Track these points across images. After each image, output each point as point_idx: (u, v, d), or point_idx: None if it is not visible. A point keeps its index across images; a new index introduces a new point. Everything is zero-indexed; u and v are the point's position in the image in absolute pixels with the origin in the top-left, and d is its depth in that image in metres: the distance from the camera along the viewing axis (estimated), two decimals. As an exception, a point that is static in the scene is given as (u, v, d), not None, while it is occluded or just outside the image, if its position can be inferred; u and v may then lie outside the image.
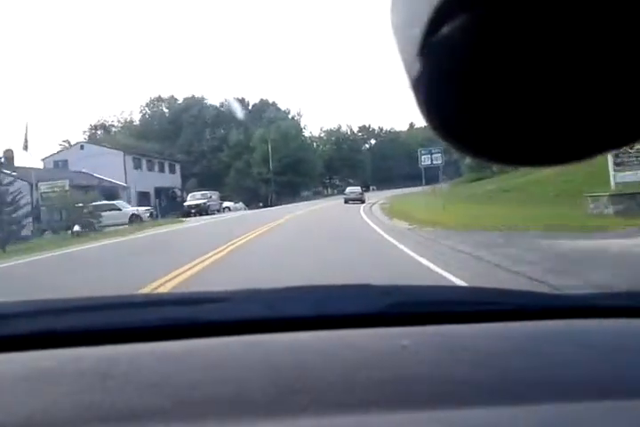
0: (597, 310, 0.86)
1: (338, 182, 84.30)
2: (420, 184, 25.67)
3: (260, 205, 52.35)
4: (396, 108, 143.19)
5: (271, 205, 47.56)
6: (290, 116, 58.02)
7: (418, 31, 0.26)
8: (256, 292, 0.93)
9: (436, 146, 22.02)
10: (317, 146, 79.99)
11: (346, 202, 31.73)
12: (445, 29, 0.25)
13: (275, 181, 52.23)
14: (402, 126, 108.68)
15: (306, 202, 44.95)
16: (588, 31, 0.24)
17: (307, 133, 66.70)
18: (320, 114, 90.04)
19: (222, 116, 58.41)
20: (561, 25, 0.24)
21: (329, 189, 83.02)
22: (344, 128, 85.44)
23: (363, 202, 30.65)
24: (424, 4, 0.25)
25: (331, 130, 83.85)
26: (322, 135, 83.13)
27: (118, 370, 0.66)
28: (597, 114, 0.28)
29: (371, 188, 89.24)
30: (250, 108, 64.75)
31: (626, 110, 0.27)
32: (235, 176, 52.42)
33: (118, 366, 0.67)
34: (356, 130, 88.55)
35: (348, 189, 36.60)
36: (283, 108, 58.15)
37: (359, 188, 37.45)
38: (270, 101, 66.35)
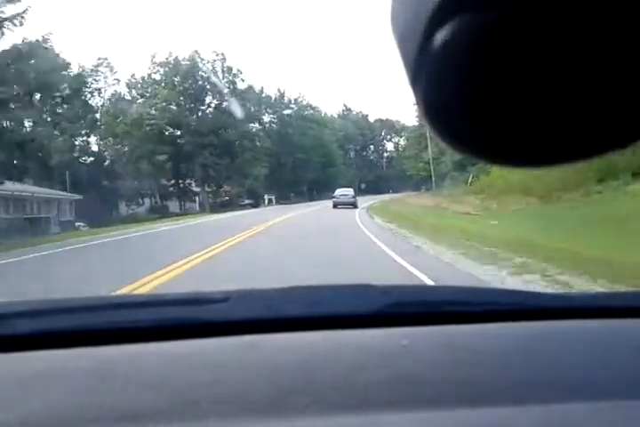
0: (597, 310, 0.86)
1: (195, 187, 38.54)
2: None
3: None
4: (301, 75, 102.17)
5: None
6: None
7: (418, 30, 0.26)
8: (256, 292, 0.92)
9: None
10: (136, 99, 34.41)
11: (335, 206, 27.53)
12: (445, 29, 0.25)
13: None
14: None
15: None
16: (589, 31, 0.24)
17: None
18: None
19: None
20: (563, 25, 0.24)
21: (174, 201, 37.52)
22: (207, 58, 39.41)
23: (355, 207, 26.42)
24: (424, 2, 0.25)
25: (172, 61, 37.04)
26: (149, 77, 36.72)
27: (118, 370, 0.67)
28: (602, 113, 0.27)
29: (266, 199, 45.75)
30: None
31: (631, 109, 0.27)
32: None
33: (118, 366, 0.68)
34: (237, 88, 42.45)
35: (338, 192, 30.00)
36: None
37: (351, 189, 30.79)
38: None
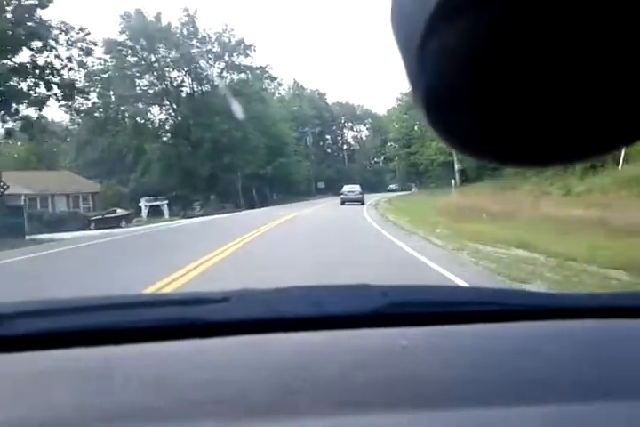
0: (597, 310, 0.86)
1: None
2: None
3: None
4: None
5: None
6: None
7: (418, 30, 0.26)
8: (255, 292, 0.93)
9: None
10: None
11: (342, 203, 27.41)
12: (444, 30, 0.25)
13: None
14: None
15: None
16: (588, 31, 0.24)
17: None
18: None
19: None
20: (563, 25, 0.24)
21: None
22: None
23: (362, 203, 26.57)
24: (425, 3, 0.25)
25: None
26: None
27: (118, 370, 0.67)
28: (601, 112, 0.27)
29: (145, 207, 23.12)
30: None
31: (631, 108, 0.27)
32: None
33: (118, 366, 0.69)
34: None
35: (346, 188, 29.40)
36: None
37: (358, 186, 29.66)
38: None
